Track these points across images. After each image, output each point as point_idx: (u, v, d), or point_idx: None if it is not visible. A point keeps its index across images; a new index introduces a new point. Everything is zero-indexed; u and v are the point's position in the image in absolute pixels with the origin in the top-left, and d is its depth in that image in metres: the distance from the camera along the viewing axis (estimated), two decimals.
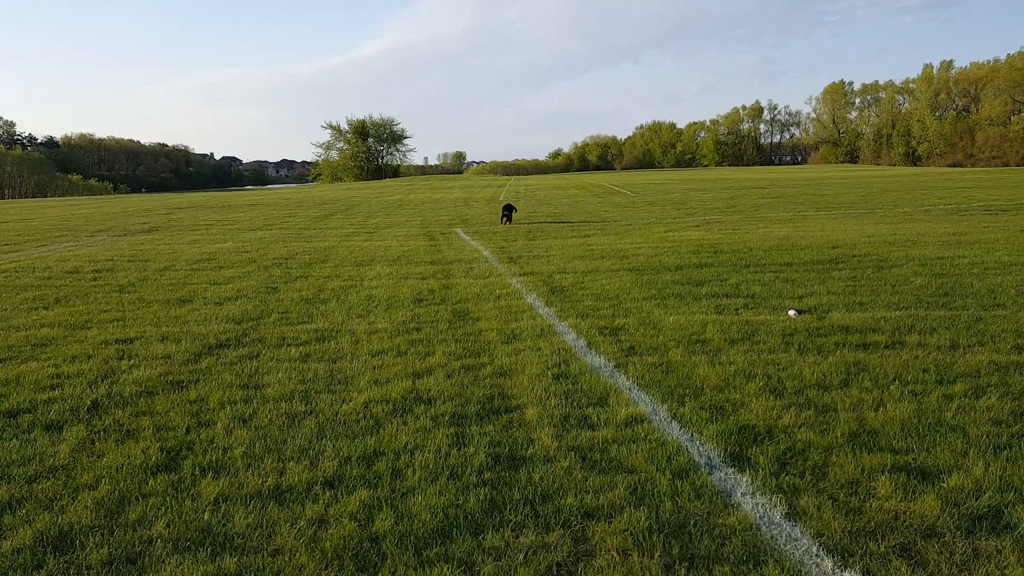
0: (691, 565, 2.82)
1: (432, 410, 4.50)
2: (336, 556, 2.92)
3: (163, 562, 2.90)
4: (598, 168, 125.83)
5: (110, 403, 4.77)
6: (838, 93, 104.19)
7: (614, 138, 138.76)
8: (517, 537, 3.03)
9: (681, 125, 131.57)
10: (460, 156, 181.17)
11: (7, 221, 24.33)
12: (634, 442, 3.92)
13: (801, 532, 2.99)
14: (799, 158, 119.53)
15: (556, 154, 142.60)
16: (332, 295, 8.49)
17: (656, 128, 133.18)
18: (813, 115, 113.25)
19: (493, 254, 11.91)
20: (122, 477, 3.64)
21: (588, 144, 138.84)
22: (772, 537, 2.96)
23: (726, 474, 3.53)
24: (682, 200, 25.61)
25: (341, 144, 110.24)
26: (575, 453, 3.81)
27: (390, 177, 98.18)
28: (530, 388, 4.86)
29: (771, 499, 3.25)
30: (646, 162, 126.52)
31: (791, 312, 6.76)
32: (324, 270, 10.60)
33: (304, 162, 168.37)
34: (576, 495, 3.36)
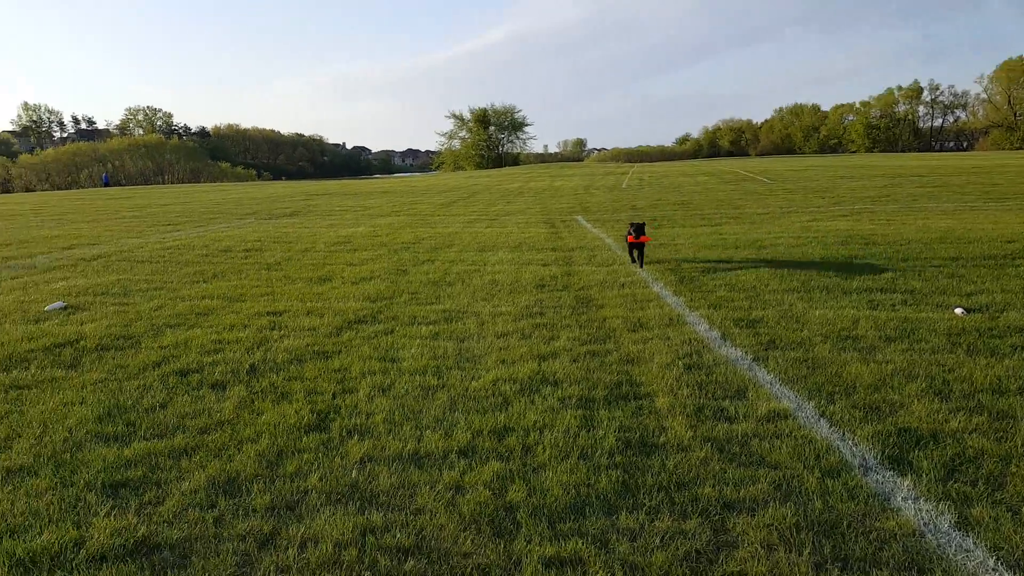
0: (844, 566, 2.65)
1: (559, 392, 4.51)
2: (473, 520, 3.01)
3: (318, 511, 3.10)
4: (730, 154, 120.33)
5: (265, 368, 5.16)
6: (1015, 71, 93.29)
7: (749, 122, 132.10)
8: (652, 521, 2.98)
9: (826, 108, 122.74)
10: (580, 143, 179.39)
11: (169, 204, 26.89)
12: (777, 437, 3.74)
13: (974, 543, 2.73)
14: (964, 144, 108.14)
15: (684, 140, 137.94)
16: (457, 278, 8.70)
17: (797, 111, 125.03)
18: (984, 96, 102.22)
19: (616, 242, 11.75)
20: (279, 433, 3.92)
21: (720, 129, 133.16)
22: (939, 546, 2.72)
23: (884, 477, 3.28)
24: (827, 188, 24.01)
25: (463, 133, 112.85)
26: (711, 444, 3.68)
27: (510, 165, 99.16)
28: (660, 377, 4.75)
29: (937, 506, 2.99)
30: (784, 148, 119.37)
31: (958, 311, 6.17)
32: (449, 255, 10.89)
33: (428, 151, 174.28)
34: (714, 486, 3.25)
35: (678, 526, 2.94)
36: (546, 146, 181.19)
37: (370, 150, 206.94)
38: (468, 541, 2.86)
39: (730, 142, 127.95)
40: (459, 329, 6.18)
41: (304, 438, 3.86)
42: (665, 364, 5.01)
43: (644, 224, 9.11)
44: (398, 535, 2.90)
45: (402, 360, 5.27)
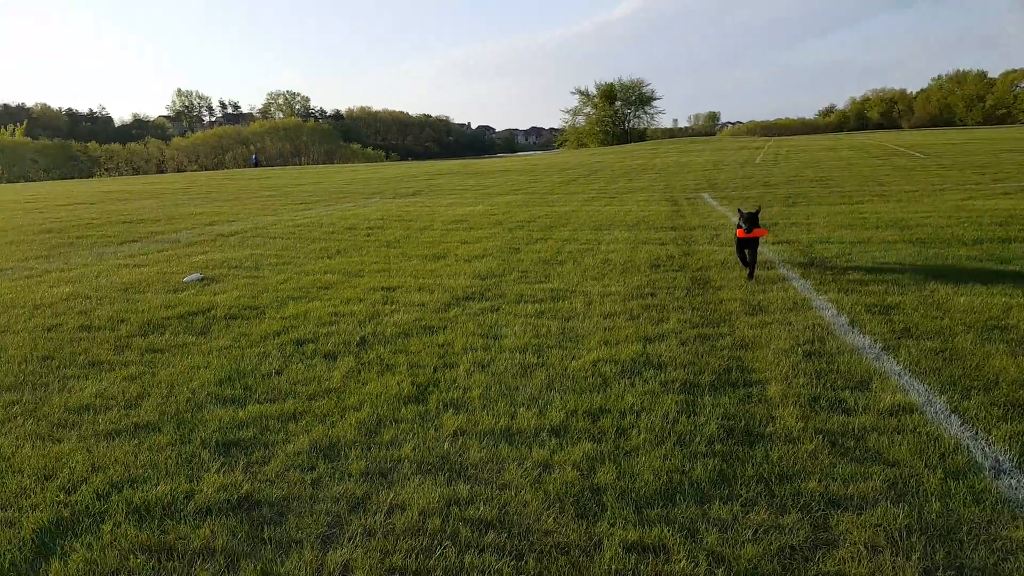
0: (958, 575, 2.37)
1: (662, 375, 4.36)
2: (558, 499, 2.98)
3: (408, 480, 3.20)
4: (880, 126, 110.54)
5: (374, 340, 5.38)
6: None
7: (902, 92, 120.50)
8: (747, 513, 2.82)
9: (993, 74, 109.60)
10: (713, 117, 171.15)
11: (303, 184, 28.62)
12: (899, 433, 3.41)
13: None
14: None
15: (827, 112, 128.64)
16: (569, 257, 8.64)
17: (959, 78, 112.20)
18: None
19: None
20: (380, 403, 4.08)
21: (869, 99, 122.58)
22: None
23: (1019, 482, 2.91)
24: (989, 163, 21.53)
25: (588, 109, 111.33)
26: (823, 437, 3.42)
27: (635, 141, 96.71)
28: (775, 363, 4.48)
29: None
30: (943, 119, 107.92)
31: None
32: (563, 233, 10.82)
33: (552, 129, 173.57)
34: (820, 480, 3.02)
35: (774, 520, 2.76)
36: (675, 120, 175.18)
37: (494, 129, 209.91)
38: (550, 519, 2.84)
39: (880, 114, 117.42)
40: (565, 308, 6.14)
41: (403, 409, 3.99)
42: (782, 350, 4.72)
43: (758, 213, 7.10)
44: (482, 508, 2.93)
45: (504, 337, 5.31)
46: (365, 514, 2.92)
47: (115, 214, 17.20)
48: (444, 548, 2.67)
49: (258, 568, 2.58)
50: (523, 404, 4.00)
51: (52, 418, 4.03)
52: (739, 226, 7.01)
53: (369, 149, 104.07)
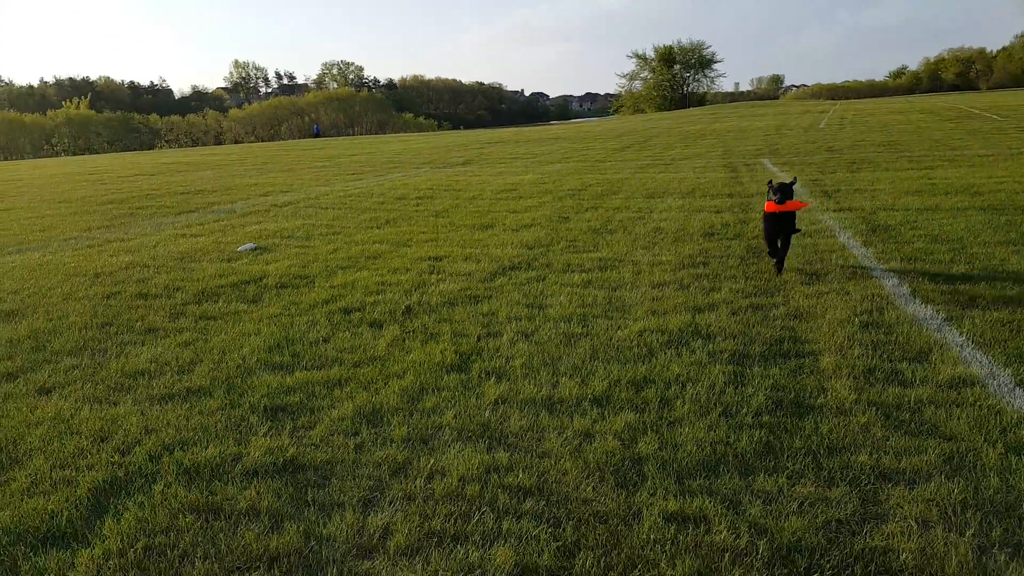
0: (1016, 553, 2.29)
1: (710, 346, 4.27)
2: (598, 468, 2.96)
3: (449, 446, 3.23)
4: (955, 88, 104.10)
5: (420, 309, 5.42)
6: None
7: (981, 51, 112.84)
8: (793, 485, 2.74)
9: None
10: (777, 80, 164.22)
11: (356, 154, 28.88)
12: (958, 406, 3.26)
13: None
14: None
15: (898, 73, 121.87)
16: (619, 226, 8.50)
17: None
18: None
19: (803, 187, 10.77)
20: (423, 371, 4.12)
21: (944, 60, 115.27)
22: None
23: None
24: None
25: (646, 73, 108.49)
26: (877, 409, 3.30)
27: (695, 106, 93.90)
28: (829, 334, 4.33)
29: None
30: None
31: None
32: (614, 202, 10.65)
33: (607, 95, 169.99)
34: (871, 454, 2.92)
35: (821, 493, 2.68)
36: (737, 84, 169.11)
37: (547, 96, 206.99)
38: (589, 488, 2.82)
39: (955, 74, 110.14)
40: (613, 278, 6.06)
41: (445, 377, 4.02)
42: (838, 321, 4.57)
43: (793, 185, 5.82)
44: (520, 475, 2.93)
45: (549, 307, 5.28)
46: (406, 479, 2.97)
47: (174, 185, 17.72)
48: (482, 514, 2.69)
49: (301, 529, 2.65)
50: (566, 373, 3.97)
51: (109, 382, 4.20)
52: (769, 198, 5.75)
53: (421, 118, 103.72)
